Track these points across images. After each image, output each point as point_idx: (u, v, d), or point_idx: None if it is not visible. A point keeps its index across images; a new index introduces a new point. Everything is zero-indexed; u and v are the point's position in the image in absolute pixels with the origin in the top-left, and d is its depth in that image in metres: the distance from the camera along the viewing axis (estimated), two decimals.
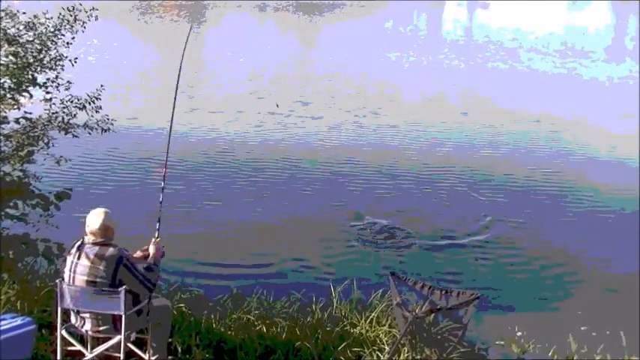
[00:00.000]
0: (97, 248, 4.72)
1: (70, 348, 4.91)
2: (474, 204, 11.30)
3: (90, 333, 4.87)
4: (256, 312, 6.42)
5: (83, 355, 4.89)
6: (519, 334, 6.56)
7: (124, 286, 4.66)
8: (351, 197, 11.44)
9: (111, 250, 4.73)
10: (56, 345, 4.88)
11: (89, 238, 4.77)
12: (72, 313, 4.88)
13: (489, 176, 12.71)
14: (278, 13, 48.12)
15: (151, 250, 5.18)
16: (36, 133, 7.02)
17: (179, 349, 5.61)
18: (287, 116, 16.87)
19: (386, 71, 24.31)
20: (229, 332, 5.96)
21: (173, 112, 5.88)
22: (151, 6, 46.60)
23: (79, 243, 4.79)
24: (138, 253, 5.17)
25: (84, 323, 4.83)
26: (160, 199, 5.50)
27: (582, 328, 6.97)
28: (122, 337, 4.74)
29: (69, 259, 4.79)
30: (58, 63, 7.14)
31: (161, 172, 5.69)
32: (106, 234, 4.78)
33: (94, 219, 4.78)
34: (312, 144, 14.64)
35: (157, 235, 5.31)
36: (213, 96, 19.52)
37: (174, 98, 5.88)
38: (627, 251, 9.43)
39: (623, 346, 6.41)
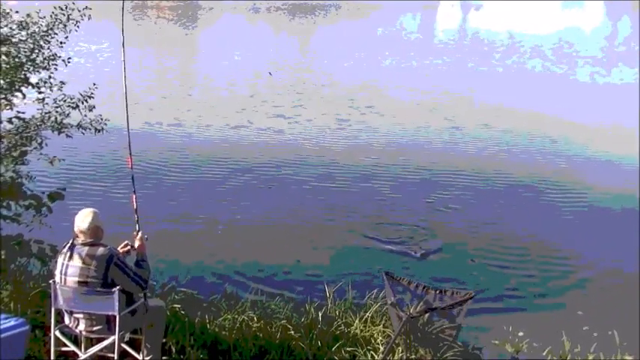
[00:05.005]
0: (87, 248, 4.69)
1: (63, 349, 4.89)
2: (468, 204, 11.35)
3: (84, 333, 4.84)
4: (250, 312, 6.41)
5: (77, 355, 4.87)
6: (521, 334, 6.56)
7: (117, 287, 4.64)
8: (343, 198, 11.44)
9: (101, 250, 4.70)
10: (50, 346, 4.86)
11: (79, 239, 4.74)
12: (65, 313, 4.85)
13: (484, 175, 12.80)
14: (271, 14, 48.05)
15: (136, 244, 5.11)
16: (29, 134, 6.97)
17: (173, 350, 5.59)
18: (270, 118, 16.86)
19: (377, 75, 24.30)
20: (223, 332, 5.95)
21: (127, 102, 5.56)
22: (143, 6, 46.47)
23: (69, 244, 4.76)
24: (118, 249, 5.04)
25: (78, 324, 4.81)
26: (133, 189, 5.35)
27: (584, 328, 6.99)
28: (116, 337, 4.71)
29: (59, 260, 4.76)
30: (51, 63, 7.10)
31: (128, 161, 5.46)
32: (95, 234, 4.75)
33: (83, 219, 4.74)
34: (303, 146, 14.62)
35: (137, 228, 5.20)
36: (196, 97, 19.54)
37: (124, 87, 5.52)
38: (623, 251, 9.48)
39: (617, 345, 6.42)
